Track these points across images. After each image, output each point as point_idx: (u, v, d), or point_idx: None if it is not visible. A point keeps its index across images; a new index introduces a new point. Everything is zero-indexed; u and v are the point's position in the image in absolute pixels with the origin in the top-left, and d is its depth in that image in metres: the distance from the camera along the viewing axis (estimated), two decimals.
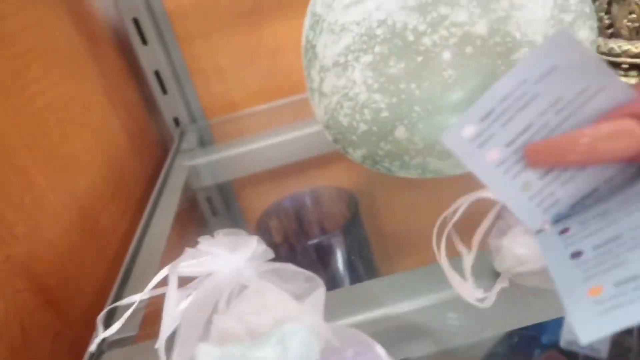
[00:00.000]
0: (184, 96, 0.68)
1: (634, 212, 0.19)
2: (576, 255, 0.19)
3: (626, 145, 0.18)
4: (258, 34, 0.67)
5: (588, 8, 0.32)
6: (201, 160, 0.70)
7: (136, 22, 0.62)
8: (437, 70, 0.30)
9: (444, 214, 0.24)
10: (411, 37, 0.30)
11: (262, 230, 0.66)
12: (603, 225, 0.20)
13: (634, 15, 0.37)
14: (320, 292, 0.26)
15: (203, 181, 0.71)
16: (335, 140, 0.37)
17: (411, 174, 0.36)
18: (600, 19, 0.40)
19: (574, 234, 0.21)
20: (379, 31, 0.31)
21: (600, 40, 0.40)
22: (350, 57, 0.33)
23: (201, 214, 0.75)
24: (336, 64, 0.34)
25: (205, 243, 0.26)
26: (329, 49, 0.34)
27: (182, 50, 0.67)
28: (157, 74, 0.65)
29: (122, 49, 0.64)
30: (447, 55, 0.30)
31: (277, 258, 0.64)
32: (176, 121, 0.69)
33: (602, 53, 0.39)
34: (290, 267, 0.27)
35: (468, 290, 0.23)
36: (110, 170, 0.51)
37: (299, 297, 0.27)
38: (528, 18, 0.30)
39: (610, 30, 0.39)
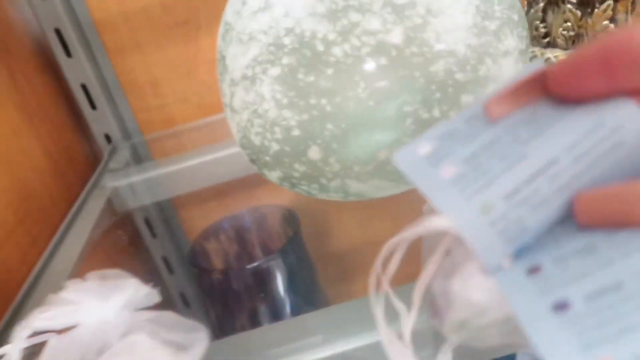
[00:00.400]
0: (116, 111, 0.64)
1: (634, 252, 0.15)
2: (561, 307, 0.15)
3: None
4: (195, 45, 0.64)
5: (516, 15, 0.30)
6: (137, 178, 0.66)
7: (59, 32, 0.57)
8: (350, 83, 0.27)
9: (374, 269, 0.19)
10: (321, 47, 0.27)
11: (198, 254, 0.62)
12: (592, 266, 0.15)
13: (569, 24, 0.35)
14: (200, 344, 0.22)
15: (139, 201, 0.67)
16: (251, 161, 0.34)
17: (333, 197, 0.32)
18: (536, 28, 0.38)
19: (550, 276, 0.16)
20: (286, 40, 0.28)
21: (537, 50, 0.38)
22: (257, 69, 0.29)
23: (138, 237, 0.70)
24: (244, 77, 0.30)
25: (71, 289, 0.22)
26: (237, 60, 0.31)
27: (112, 63, 0.62)
28: (84, 88, 0.60)
29: (44, 62, 0.59)
30: (359, 66, 0.27)
31: (213, 284, 0.59)
32: (107, 138, 0.64)
33: None
34: (171, 315, 0.23)
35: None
36: (18, 194, 0.46)
37: (184, 348, 0.23)
38: (447, 26, 0.27)
39: (546, 40, 0.37)
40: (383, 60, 0.27)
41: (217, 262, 0.65)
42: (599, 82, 0.15)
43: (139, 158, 0.68)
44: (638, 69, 0.14)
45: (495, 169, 0.17)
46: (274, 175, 0.33)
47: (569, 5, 0.34)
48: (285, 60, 0.28)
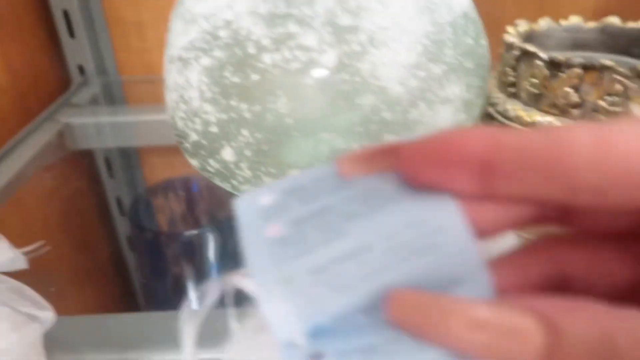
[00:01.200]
0: (95, 44, 0.62)
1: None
2: None
3: (511, 354, 0.12)
4: None
5: (472, 64, 0.28)
6: (107, 118, 0.65)
7: None
8: (271, 95, 0.26)
9: (185, 310, 0.18)
10: (252, 50, 0.26)
11: (142, 208, 0.61)
12: None
13: (535, 80, 0.33)
14: (44, 323, 0.22)
15: (103, 142, 0.66)
16: (178, 141, 0.33)
17: None
18: (505, 74, 0.36)
19: None
20: (222, 33, 0.26)
21: (501, 97, 0.36)
22: (192, 54, 0.28)
23: (96, 176, 0.69)
24: (180, 58, 0.29)
25: None
26: (178, 38, 0.29)
27: None
28: (65, 14, 0.58)
29: None
30: (283, 81, 0.25)
31: (147, 242, 0.59)
32: (81, 69, 0.62)
33: (498, 112, 0.36)
34: (26, 289, 0.23)
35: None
36: None
37: (30, 321, 0.22)
38: (386, 60, 0.25)
39: (512, 89, 0.35)
40: (310, 80, 0.25)
41: (161, 220, 0.65)
42: (432, 174, 0.14)
43: (112, 98, 0.67)
44: (467, 177, 0.14)
45: (314, 239, 0.16)
46: (193, 162, 0.32)
47: (539, 62, 0.33)
48: (217, 53, 0.27)
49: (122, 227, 0.72)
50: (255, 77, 0.26)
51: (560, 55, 0.32)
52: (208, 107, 0.27)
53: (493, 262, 0.16)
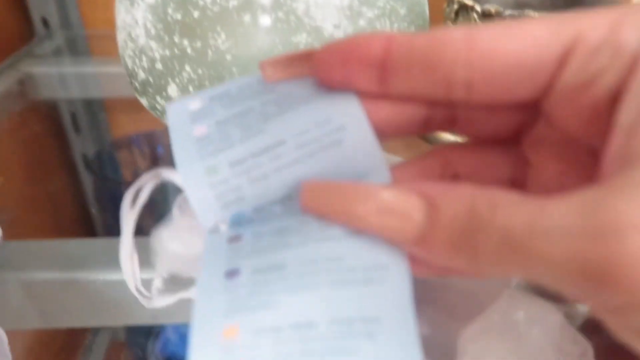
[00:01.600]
0: None
1: (310, 241, 0.16)
2: (232, 274, 0.16)
3: (399, 229, 0.14)
4: None
5: (405, 9, 0.30)
6: (69, 69, 0.65)
7: None
8: (211, 32, 0.27)
9: (129, 195, 0.20)
10: None
11: (106, 161, 0.62)
12: (275, 245, 0.16)
13: None
14: None
15: (68, 93, 0.66)
16: (129, 81, 0.34)
17: None
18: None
19: (243, 246, 0.17)
20: None
21: None
22: None
23: (60, 129, 0.70)
24: None
25: None
26: None
27: None
28: None
29: None
30: (222, 18, 0.27)
31: (112, 196, 0.60)
32: (45, 22, 0.62)
33: None
34: None
35: (134, 285, 0.20)
36: None
37: None
38: (320, 1, 0.27)
39: None
40: (247, 18, 0.27)
41: (125, 174, 0.66)
42: (338, 73, 0.16)
43: (75, 51, 0.67)
44: (367, 73, 0.15)
45: (235, 136, 0.17)
46: (143, 101, 0.33)
47: (474, 14, 0.34)
48: None
49: (87, 181, 0.73)
50: (196, 13, 0.27)
51: (492, 7, 0.33)
52: (153, 44, 0.29)
53: (394, 165, 0.18)
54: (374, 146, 0.17)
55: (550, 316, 0.17)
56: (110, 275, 0.27)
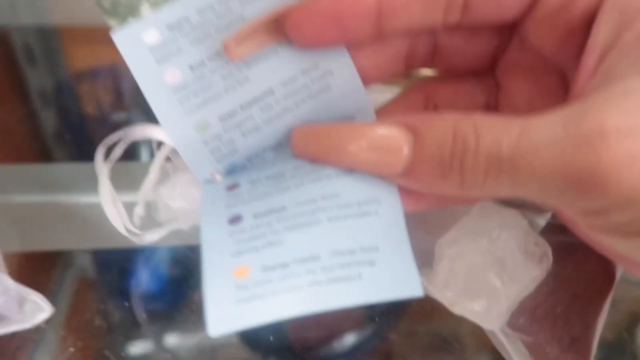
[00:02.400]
0: None
1: (305, 182, 0.16)
2: (235, 220, 0.16)
3: (386, 163, 0.14)
4: None
5: None
6: None
7: None
8: None
9: (105, 144, 0.19)
10: None
11: (66, 96, 0.60)
12: (272, 190, 0.17)
13: None
14: None
15: (18, 20, 0.62)
16: (96, 2, 0.32)
17: None
18: None
19: (241, 193, 0.17)
20: None
21: None
22: None
23: (13, 60, 0.66)
24: None
25: None
26: None
27: None
28: None
29: None
30: None
31: (76, 131, 0.58)
32: None
33: None
34: None
35: (123, 227, 0.20)
36: None
37: None
38: None
39: None
40: None
41: (88, 108, 0.63)
42: (330, 32, 0.15)
43: None
44: (362, 22, 0.15)
45: (218, 86, 0.17)
46: (112, 22, 0.32)
47: None
48: None
49: (47, 119, 0.70)
50: None
51: None
52: None
53: (379, 106, 0.18)
54: (359, 89, 0.17)
55: (517, 223, 0.19)
56: (93, 198, 0.27)
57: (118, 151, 0.19)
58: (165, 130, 0.17)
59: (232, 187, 0.17)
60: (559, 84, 0.16)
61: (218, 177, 0.18)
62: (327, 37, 0.16)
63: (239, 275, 0.14)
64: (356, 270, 0.14)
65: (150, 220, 0.22)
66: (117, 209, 0.19)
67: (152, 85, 0.16)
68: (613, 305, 0.18)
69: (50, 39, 0.68)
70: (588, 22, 0.14)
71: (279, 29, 0.16)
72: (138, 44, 0.16)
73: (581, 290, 0.18)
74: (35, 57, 0.66)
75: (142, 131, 0.18)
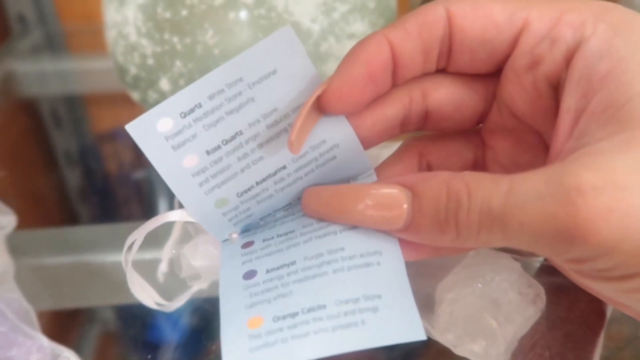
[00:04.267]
0: None
1: (313, 239, 0.17)
2: (249, 275, 0.17)
3: (389, 219, 0.15)
4: None
5: (373, 4, 0.32)
6: (48, 65, 0.64)
7: None
8: (200, 29, 0.28)
9: (129, 241, 0.19)
10: None
11: (90, 156, 0.63)
12: (283, 246, 0.18)
13: None
14: (7, 226, 0.25)
15: (47, 90, 0.65)
16: (119, 76, 0.35)
17: None
18: None
19: (255, 250, 0.18)
20: None
21: None
22: None
23: (42, 126, 0.69)
24: None
25: None
26: None
27: None
28: None
29: None
30: (209, 15, 0.28)
31: (99, 190, 0.60)
32: (22, 18, 0.61)
33: None
34: None
35: (153, 304, 0.21)
36: None
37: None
38: None
39: None
40: (232, 15, 0.28)
41: (110, 167, 0.66)
42: (369, 90, 0.17)
43: (53, 47, 0.66)
44: (386, 75, 0.17)
45: (234, 167, 0.18)
46: (135, 95, 0.34)
47: None
48: None
49: (72, 177, 0.73)
50: (184, 12, 0.28)
51: None
52: (144, 42, 0.30)
53: (377, 167, 0.20)
54: (362, 155, 0.19)
55: (510, 266, 0.20)
56: (116, 257, 0.29)
57: (138, 243, 0.20)
58: (188, 211, 0.18)
59: (247, 245, 0.19)
60: (536, 141, 0.17)
61: (234, 237, 0.19)
62: (366, 97, 0.17)
63: (252, 325, 0.15)
64: (360, 317, 0.15)
65: (172, 276, 0.24)
66: (146, 291, 0.21)
67: (172, 172, 0.17)
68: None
69: (75, 105, 0.72)
70: (554, 86, 0.16)
71: (317, 108, 0.17)
72: (153, 134, 0.16)
73: (575, 328, 0.18)
74: (61, 121, 0.69)
75: (162, 219, 0.19)
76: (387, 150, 0.29)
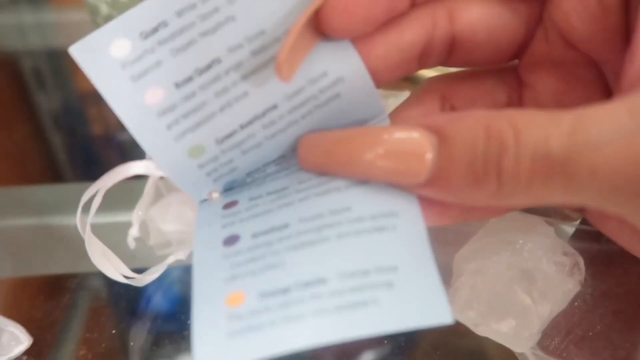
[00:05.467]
0: None
1: (311, 196, 0.14)
2: (230, 241, 0.14)
3: (407, 171, 0.12)
4: None
5: None
6: (27, 17, 0.59)
7: None
8: None
9: (83, 199, 0.16)
10: None
11: (73, 114, 0.58)
12: (274, 206, 0.14)
13: None
14: None
15: (27, 45, 0.61)
16: (91, 20, 0.31)
17: None
18: None
19: (239, 211, 0.15)
20: None
21: None
22: None
23: (24, 82, 0.65)
24: None
25: None
26: None
27: None
28: None
29: None
30: None
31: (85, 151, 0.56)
32: None
33: None
34: None
35: (120, 276, 0.18)
36: None
37: None
38: None
39: None
40: None
41: (96, 129, 0.62)
42: (380, 7, 0.13)
43: None
44: None
45: (212, 105, 0.14)
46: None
47: None
48: None
49: (55, 136, 0.69)
50: None
51: None
52: None
53: (392, 111, 0.16)
54: (372, 92, 0.14)
55: (542, 230, 0.16)
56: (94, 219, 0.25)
57: (96, 203, 0.16)
58: (154, 161, 0.14)
59: (229, 205, 0.15)
60: (591, 75, 0.14)
61: (215, 196, 0.16)
62: (378, 14, 0.13)
63: (232, 303, 0.12)
64: (371, 294, 0.11)
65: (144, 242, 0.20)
66: (110, 260, 0.17)
67: (130, 110, 0.13)
68: None
69: (59, 64, 0.67)
70: (623, 3, 0.12)
71: (315, 28, 0.13)
72: (105, 60, 0.13)
73: (624, 306, 0.15)
74: (44, 80, 0.65)
75: (122, 172, 0.15)
76: (393, 99, 0.26)
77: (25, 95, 0.61)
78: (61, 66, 0.66)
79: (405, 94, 0.24)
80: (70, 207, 0.26)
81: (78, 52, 0.13)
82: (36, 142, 0.63)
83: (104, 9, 0.27)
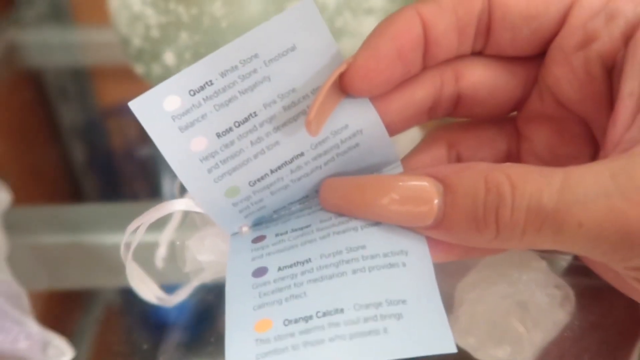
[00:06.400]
0: None
1: (331, 235, 0.15)
2: (259, 272, 0.15)
3: (417, 215, 0.13)
4: None
5: None
6: (53, 36, 0.62)
7: None
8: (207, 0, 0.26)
9: (128, 231, 0.17)
10: None
11: (96, 131, 0.60)
12: (298, 242, 0.16)
13: None
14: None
15: (52, 61, 0.63)
16: (123, 49, 0.33)
17: None
18: None
19: (267, 245, 0.16)
20: None
21: None
22: None
23: (48, 99, 0.67)
24: None
25: None
26: None
27: None
28: None
29: None
30: None
31: (104, 166, 0.58)
32: None
33: None
34: None
35: (155, 298, 0.20)
36: None
37: None
38: None
39: None
40: None
41: (115, 142, 0.64)
42: (397, 69, 0.15)
43: (58, 17, 0.63)
44: (417, 53, 0.15)
45: (247, 152, 0.16)
46: (138, 69, 0.32)
47: None
48: None
49: (77, 151, 0.71)
50: None
51: None
52: (148, 11, 0.27)
53: (404, 157, 0.17)
54: (387, 143, 0.16)
55: (536, 265, 0.18)
56: (118, 238, 0.27)
57: (139, 236, 0.18)
58: (195, 199, 0.16)
59: (258, 240, 0.17)
60: (580, 131, 0.15)
61: (245, 230, 0.17)
62: (394, 77, 0.15)
63: (260, 329, 0.13)
64: (382, 324, 0.13)
65: (171, 262, 0.22)
66: (147, 285, 0.19)
67: (178, 155, 0.15)
68: None
69: (82, 79, 0.69)
70: (608, 68, 0.14)
71: (339, 88, 0.15)
72: (159, 113, 0.15)
73: (609, 335, 0.16)
74: (67, 95, 0.67)
75: (165, 208, 0.17)
76: (402, 136, 0.27)
77: (49, 112, 0.63)
78: (85, 84, 0.69)
79: (413, 130, 0.25)
80: (99, 225, 0.27)
81: (136, 105, 0.15)
82: (60, 159, 0.65)
83: (137, 42, 0.29)
